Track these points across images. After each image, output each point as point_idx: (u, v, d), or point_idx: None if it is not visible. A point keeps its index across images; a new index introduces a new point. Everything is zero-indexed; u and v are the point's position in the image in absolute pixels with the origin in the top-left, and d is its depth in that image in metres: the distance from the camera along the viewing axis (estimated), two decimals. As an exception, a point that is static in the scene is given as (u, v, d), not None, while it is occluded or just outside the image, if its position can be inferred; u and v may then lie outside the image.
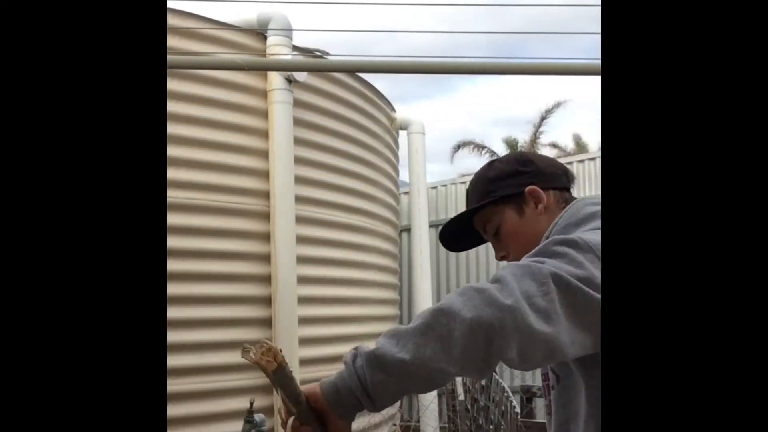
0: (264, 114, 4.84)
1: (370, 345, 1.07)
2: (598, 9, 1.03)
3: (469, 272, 8.52)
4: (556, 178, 1.51)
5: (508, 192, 1.48)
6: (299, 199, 4.92)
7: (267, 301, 4.74)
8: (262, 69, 4.86)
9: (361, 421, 4.82)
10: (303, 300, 4.87)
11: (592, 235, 1.20)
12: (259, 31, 4.94)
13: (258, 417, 2.80)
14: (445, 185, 8.89)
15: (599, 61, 1.04)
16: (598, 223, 1.30)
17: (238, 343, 1.18)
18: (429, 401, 6.47)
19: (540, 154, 1.46)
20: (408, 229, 7.59)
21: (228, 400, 4.44)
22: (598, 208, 1.36)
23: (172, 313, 2.54)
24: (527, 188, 1.47)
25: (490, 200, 1.49)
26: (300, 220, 4.91)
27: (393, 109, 6.73)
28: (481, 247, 8.77)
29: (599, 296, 1.07)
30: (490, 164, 1.57)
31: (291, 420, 1.10)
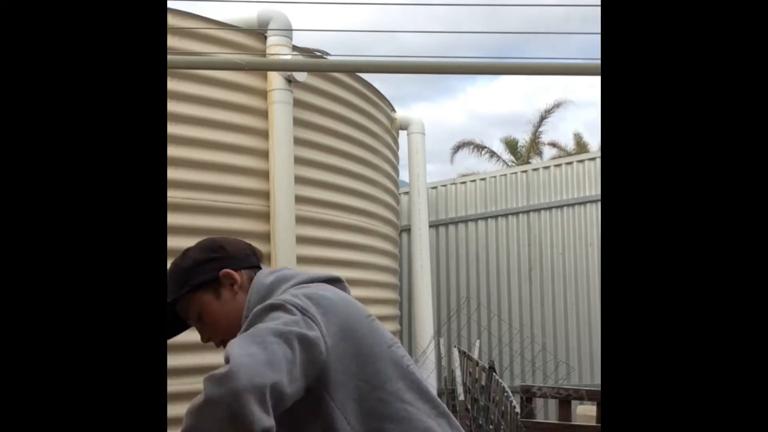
0: (264, 114, 4.84)
1: None
2: (598, 9, 1.03)
3: (469, 272, 8.51)
4: (246, 259, 1.66)
5: (203, 279, 1.61)
6: (299, 199, 4.91)
7: (267, 300, 4.72)
8: (262, 69, 4.85)
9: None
10: (303, 300, 4.86)
11: (287, 295, 1.41)
12: (259, 31, 4.93)
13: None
14: (445, 185, 8.89)
15: (599, 61, 1.04)
16: (284, 286, 1.52)
17: (238, 343, 1.17)
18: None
19: (230, 238, 1.73)
20: (408, 229, 7.59)
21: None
22: (275, 275, 1.58)
23: (172, 313, 2.53)
24: (221, 272, 1.61)
25: (187, 290, 1.61)
26: (300, 220, 4.91)
27: (393, 110, 6.72)
28: (481, 247, 8.76)
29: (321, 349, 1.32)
30: (184, 254, 1.69)
31: None
